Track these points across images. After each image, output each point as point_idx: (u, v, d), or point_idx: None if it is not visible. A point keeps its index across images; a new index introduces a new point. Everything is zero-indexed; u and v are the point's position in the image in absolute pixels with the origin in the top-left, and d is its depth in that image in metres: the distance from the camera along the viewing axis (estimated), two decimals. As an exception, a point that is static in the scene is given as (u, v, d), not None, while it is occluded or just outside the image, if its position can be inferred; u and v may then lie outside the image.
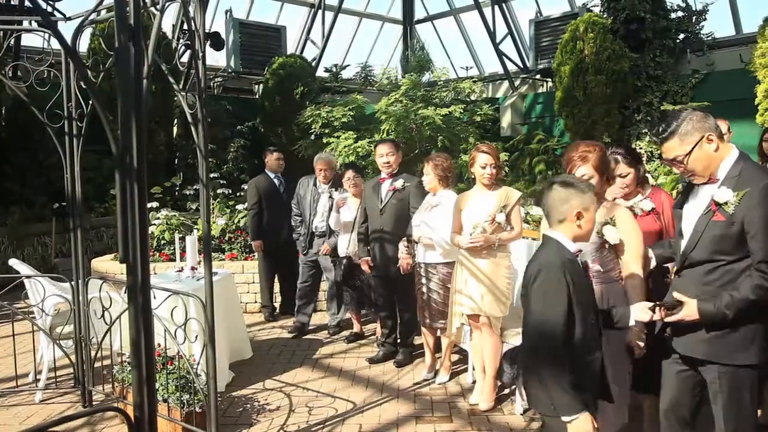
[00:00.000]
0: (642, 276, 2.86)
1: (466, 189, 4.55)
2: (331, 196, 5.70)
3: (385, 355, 5.06)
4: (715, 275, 2.42)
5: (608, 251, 2.92)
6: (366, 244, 5.08)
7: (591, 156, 2.92)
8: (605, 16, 9.92)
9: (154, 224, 7.15)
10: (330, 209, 5.66)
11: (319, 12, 12.24)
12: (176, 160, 11.00)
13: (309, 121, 8.85)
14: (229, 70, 11.90)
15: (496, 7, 11.98)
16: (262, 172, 6.68)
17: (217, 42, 3.17)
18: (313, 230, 5.85)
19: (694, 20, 9.98)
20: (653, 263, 2.96)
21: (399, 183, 4.91)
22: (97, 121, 1.91)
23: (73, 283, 4.18)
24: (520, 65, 12.40)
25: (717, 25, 14.64)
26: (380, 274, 5.00)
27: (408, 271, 4.69)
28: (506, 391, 4.33)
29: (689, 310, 2.39)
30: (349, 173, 5.46)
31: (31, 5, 1.61)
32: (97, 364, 4.20)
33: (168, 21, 11.00)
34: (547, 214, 2.40)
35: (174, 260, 5.94)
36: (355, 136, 8.18)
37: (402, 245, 4.74)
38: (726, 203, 2.35)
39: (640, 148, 9.48)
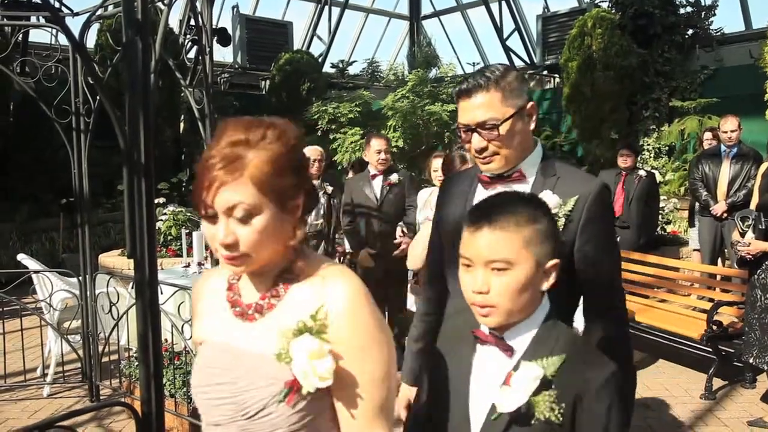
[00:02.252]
0: None
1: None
2: (325, 192, 5.37)
3: None
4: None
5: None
6: (356, 236, 4.93)
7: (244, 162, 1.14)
8: (613, 11, 9.86)
9: (161, 220, 7.17)
10: (326, 205, 5.36)
11: (326, 8, 12.24)
12: (183, 156, 11.04)
13: (316, 116, 8.86)
14: (236, 66, 11.93)
15: (503, 3, 11.94)
16: None
17: (223, 38, 3.17)
18: (306, 230, 5.51)
19: (703, 15, 9.91)
20: None
21: (394, 177, 4.82)
22: (104, 116, 1.91)
23: (80, 278, 4.19)
24: (528, 61, 12.36)
25: (726, 21, 14.61)
26: (379, 269, 4.74)
27: (401, 254, 4.52)
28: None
29: None
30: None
31: (39, 1, 1.61)
32: (105, 359, 4.22)
33: (175, 16, 11.03)
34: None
35: (181, 256, 5.95)
36: (361, 131, 8.19)
37: (399, 229, 4.68)
38: (555, 215, 1.50)
39: (648, 145, 9.44)
